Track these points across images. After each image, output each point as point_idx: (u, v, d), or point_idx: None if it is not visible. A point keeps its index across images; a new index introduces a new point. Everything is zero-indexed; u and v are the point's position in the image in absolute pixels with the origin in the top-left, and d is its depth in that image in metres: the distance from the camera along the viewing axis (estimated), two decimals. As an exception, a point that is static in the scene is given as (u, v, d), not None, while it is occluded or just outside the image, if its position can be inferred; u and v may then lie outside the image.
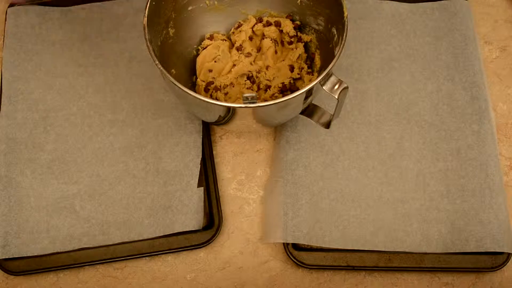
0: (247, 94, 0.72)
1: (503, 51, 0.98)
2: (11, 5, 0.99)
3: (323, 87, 0.73)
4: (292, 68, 0.90)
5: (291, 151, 0.88)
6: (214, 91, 0.89)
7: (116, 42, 0.97)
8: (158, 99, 0.93)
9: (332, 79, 0.73)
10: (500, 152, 0.90)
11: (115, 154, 0.89)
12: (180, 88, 0.71)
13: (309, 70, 0.91)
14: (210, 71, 0.91)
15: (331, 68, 0.72)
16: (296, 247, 0.84)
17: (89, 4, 1.00)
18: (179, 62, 0.90)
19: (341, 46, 0.75)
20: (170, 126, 0.90)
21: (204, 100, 0.71)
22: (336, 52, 0.75)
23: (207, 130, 0.90)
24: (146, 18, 0.76)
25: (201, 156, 0.88)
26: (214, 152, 0.90)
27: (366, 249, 0.83)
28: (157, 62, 0.73)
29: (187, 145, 0.89)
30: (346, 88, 0.73)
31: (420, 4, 0.99)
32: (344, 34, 0.76)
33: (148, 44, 0.75)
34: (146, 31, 0.75)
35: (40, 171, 0.88)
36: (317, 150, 0.89)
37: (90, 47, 0.97)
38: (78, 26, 0.98)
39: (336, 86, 0.73)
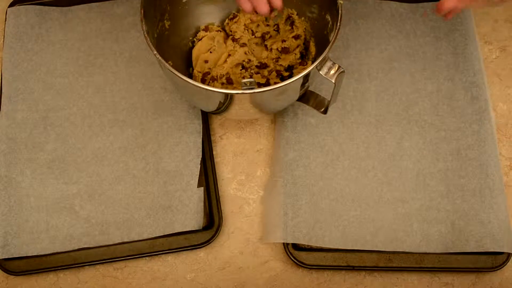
0: (246, 79, 0.73)
1: (503, 51, 0.99)
2: (11, 5, 1.00)
3: (320, 72, 0.74)
4: (287, 50, 0.92)
5: (291, 152, 0.88)
6: (211, 81, 0.91)
7: (115, 42, 0.98)
8: (158, 99, 0.93)
9: (328, 63, 0.74)
10: (500, 152, 0.90)
11: (115, 154, 0.89)
12: (179, 77, 0.72)
13: (298, 61, 0.92)
14: (206, 62, 0.92)
15: (327, 52, 0.73)
16: (296, 247, 0.84)
17: (88, 4, 1.00)
18: (175, 54, 0.91)
19: (336, 30, 0.76)
20: (170, 126, 0.91)
21: (203, 88, 0.72)
22: (331, 38, 0.76)
23: (207, 130, 0.91)
24: (142, 10, 0.77)
25: (201, 156, 0.89)
26: (214, 152, 0.91)
27: (366, 249, 0.84)
28: (155, 52, 0.74)
29: (187, 145, 0.89)
30: (343, 72, 0.74)
31: (420, 4, 0.99)
32: (339, 19, 0.77)
33: (145, 35, 0.76)
34: (143, 23, 0.76)
35: (40, 171, 0.88)
36: (317, 150, 0.89)
37: (90, 47, 0.97)
38: (78, 26, 0.99)
39: (333, 71, 0.74)
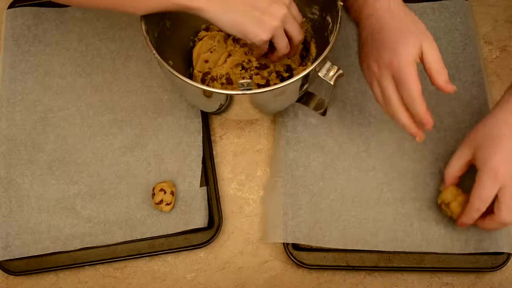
0: (243, 80, 0.76)
1: (503, 51, 1.01)
2: (10, 6, 1.03)
3: (319, 73, 0.77)
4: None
5: (291, 152, 0.91)
6: (210, 81, 0.93)
7: (112, 41, 1.01)
8: (156, 98, 0.96)
9: (327, 65, 0.77)
10: None
11: (115, 154, 0.92)
12: (178, 77, 0.75)
13: (299, 62, 0.95)
14: (206, 61, 0.95)
15: (326, 54, 0.76)
16: (296, 247, 0.87)
17: (84, 4, 1.04)
18: (176, 53, 0.93)
19: (336, 32, 0.78)
20: (170, 125, 0.94)
21: (201, 88, 0.74)
22: (331, 39, 0.79)
23: (207, 129, 0.94)
24: None
25: (202, 155, 0.91)
26: (214, 152, 0.93)
27: (366, 249, 0.86)
28: (155, 52, 0.76)
29: (188, 145, 0.92)
30: (342, 74, 0.77)
31: (420, 4, 1.01)
32: (338, 21, 0.79)
33: (145, 34, 0.78)
34: (142, 23, 0.78)
35: (40, 172, 0.91)
36: (317, 150, 0.92)
37: (87, 47, 1.00)
38: (74, 27, 1.02)
39: (332, 72, 0.77)
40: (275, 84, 0.88)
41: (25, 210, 0.89)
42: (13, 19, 1.02)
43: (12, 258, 0.87)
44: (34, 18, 1.02)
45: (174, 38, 0.92)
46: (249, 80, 0.76)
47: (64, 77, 0.98)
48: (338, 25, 0.79)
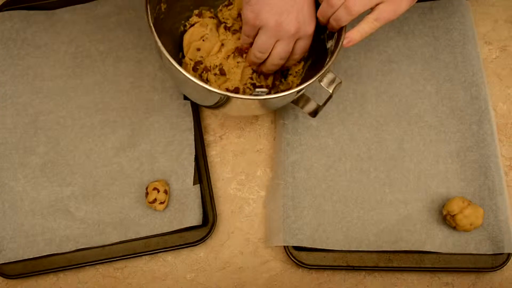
0: (259, 89, 0.81)
1: (503, 51, 1.05)
2: None
3: (321, 83, 0.82)
4: None
5: (293, 154, 0.95)
6: (204, 72, 0.96)
7: (101, 42, 1.05)
8: (147, 98, 1.01)
9: (329, 75, 0.82)
10: (500, 153, 0.96)
11: (107, 155, 0.97)
12: (182, 73, 0.77)
13: None
14: (198, 50, 0.97)
15: (329, 66, 0.80)
16: (296, 247, 0.91)
17: (73, 6, 1.07)
18: (167, 39, 0.95)
19: (340, 44, 0.82)
20: (162, 124, 0.99)
21: (205, 88, 0.77)
22: (329, 45, 0.82)
23: (199, 128, 0.97)
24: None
25: (194, 153, 0.96)
26: (214, 152, 0.98)
27: (370, 250, 0.90)
28: (157, 39, 0.78)
29: (180, 143, 0.97)
30: (340, 83, 0.82)
31: (418, 3, 1.05)
32: (343, 31, 0.82)
33: (151, 25, 0.79)
34: (148, 14, 0.79)
35: (32, 175, 0.96)
36: (318, 152, 0.96)
37: (76, 49, 1.05)
38: (63, 29, 1.06)
39: (332, 82, 0.82)
40: (274, 83, 0.93)
41: (19, 213, 0.94)
42: (2, 22, 1.06)
43: (7, 261, 0.91)
44: (23, 21, 1.06)
45: (168, 23, 0.95)
46: (265, 90, 0.81)
47: (54, 79, 1.03)
48: (343, 30, 0.82)
